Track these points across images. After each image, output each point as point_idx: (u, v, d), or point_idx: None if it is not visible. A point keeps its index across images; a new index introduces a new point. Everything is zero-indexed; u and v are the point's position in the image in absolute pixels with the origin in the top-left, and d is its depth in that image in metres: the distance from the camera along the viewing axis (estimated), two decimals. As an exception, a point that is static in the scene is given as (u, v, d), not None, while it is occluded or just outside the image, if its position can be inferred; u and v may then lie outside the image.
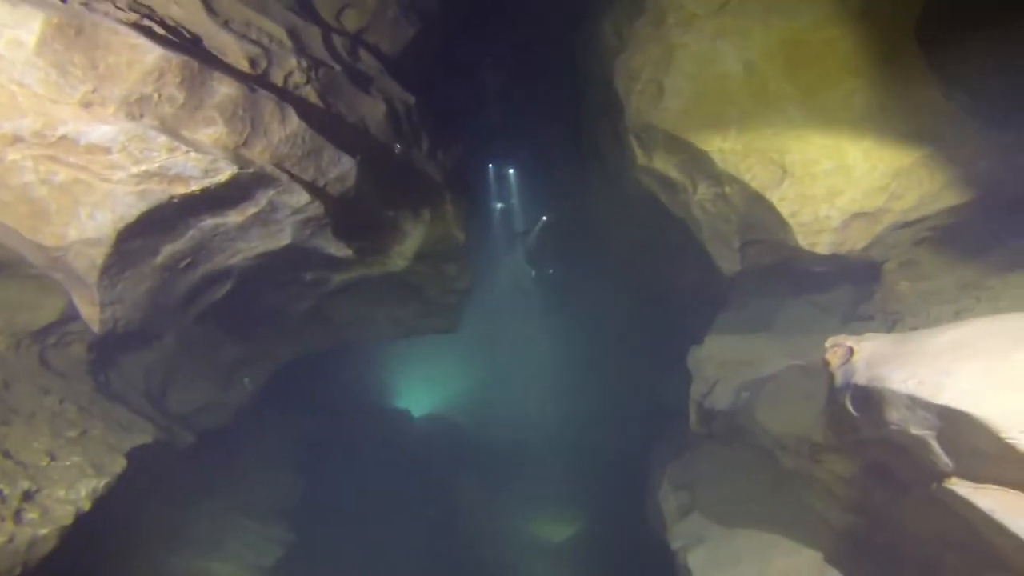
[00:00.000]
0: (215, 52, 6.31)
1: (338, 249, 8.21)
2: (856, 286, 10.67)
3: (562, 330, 24.04)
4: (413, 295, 13.01)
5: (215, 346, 11.24)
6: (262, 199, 6.49)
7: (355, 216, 8.42)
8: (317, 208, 7.16)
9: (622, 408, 18.90)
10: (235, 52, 6.46)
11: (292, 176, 6.53)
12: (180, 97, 5.50)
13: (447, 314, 14.00)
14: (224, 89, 5.79)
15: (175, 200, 5.79)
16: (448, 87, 14.55)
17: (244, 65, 6.47)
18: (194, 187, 5.78)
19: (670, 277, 15.43)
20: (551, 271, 24.27)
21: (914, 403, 4.59)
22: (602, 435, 19.71)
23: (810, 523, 7.56)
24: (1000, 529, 3.95)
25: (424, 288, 12.71)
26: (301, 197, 6.78)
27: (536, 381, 24.50)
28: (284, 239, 7.37)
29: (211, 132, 5.77)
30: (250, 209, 6.50)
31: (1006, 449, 3.80)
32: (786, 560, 7.28)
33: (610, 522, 16.57)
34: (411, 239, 9.88)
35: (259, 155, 6.17)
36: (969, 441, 4.13)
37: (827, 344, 6.03)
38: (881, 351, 5.32)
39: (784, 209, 7.18)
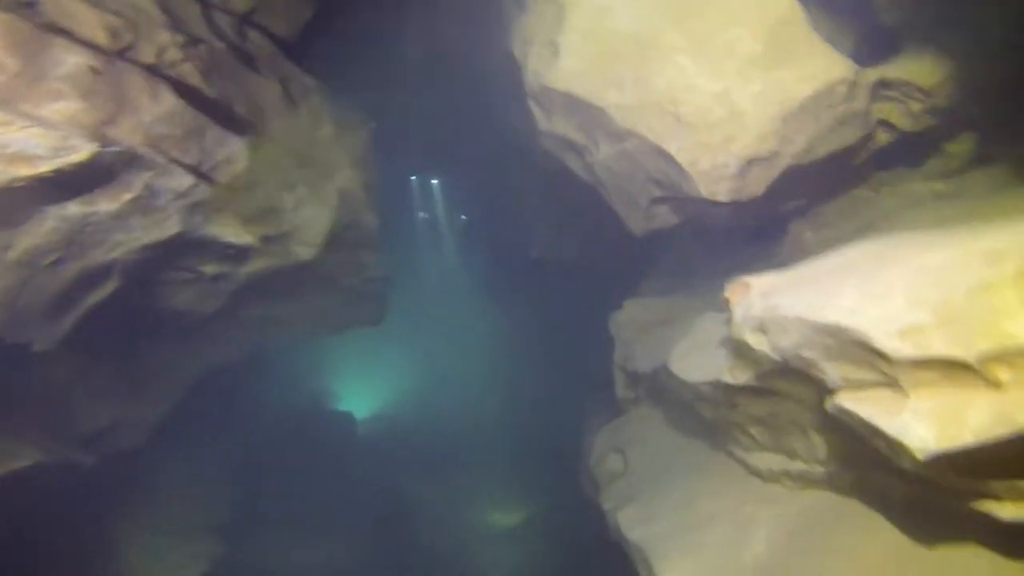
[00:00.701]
0: (60, 18, 5.82)
1: (236, 235, 7.83)
2: (766, 241, 10.84)
3: (496, 318, 23.94)
4: (331, 288, 12.62)
5: (121, 357, 10.62)
6: (137, 183, 6.08)
7: (252, 201, 8.05)
8: (204, 192, 6.79)
9: (559, 387, 18.88)
10: (89, 21, 5.99)
11: (171, 158, 6.15)
12: (12, 64, 5.04)
13: (370, 306, 13.66)
14: (72, 59, 5.37)
15: (20, 184, 5.30)
16: (358, 69, 14.14)
17: (101, 36, 6.01)
18: (43, 168, 5.30)
19: (589, 249, 15.45)
20: (480, 263, 24.31)
21: (803, 324, 4.60)
22: (543, 417, 19.66)
23: (730, 469, 7.58)
24: (875, 431, 3.96)
25: (341, 279, 12.34)
26: (183, 180, 6.41)
27: (475, 371, 24.30)
28: (172, 227, 6.95)
29: (61, 107, 5.33)
30: (124, 195, 6.08)
31: (878, 353, 3.81)
32: (709, 505, 7.25)
33: (557, 502, 16.50)
34: (317, 225, 9.52)
35: (128, 134, 5.76)
36: (851, 353, 4.13)
37: (727, 284, 6.02)
38: (774, 283, 5.33)
39: (683, 158, 7.17)
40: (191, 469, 14.11)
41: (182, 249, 7.65)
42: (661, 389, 9.08)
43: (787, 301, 4.82)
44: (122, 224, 6.51)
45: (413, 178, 25.50)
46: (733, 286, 5.75)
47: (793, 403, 5.76)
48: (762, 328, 5.12)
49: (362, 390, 25.71)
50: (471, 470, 20.64)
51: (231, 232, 7.70)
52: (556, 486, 16.59)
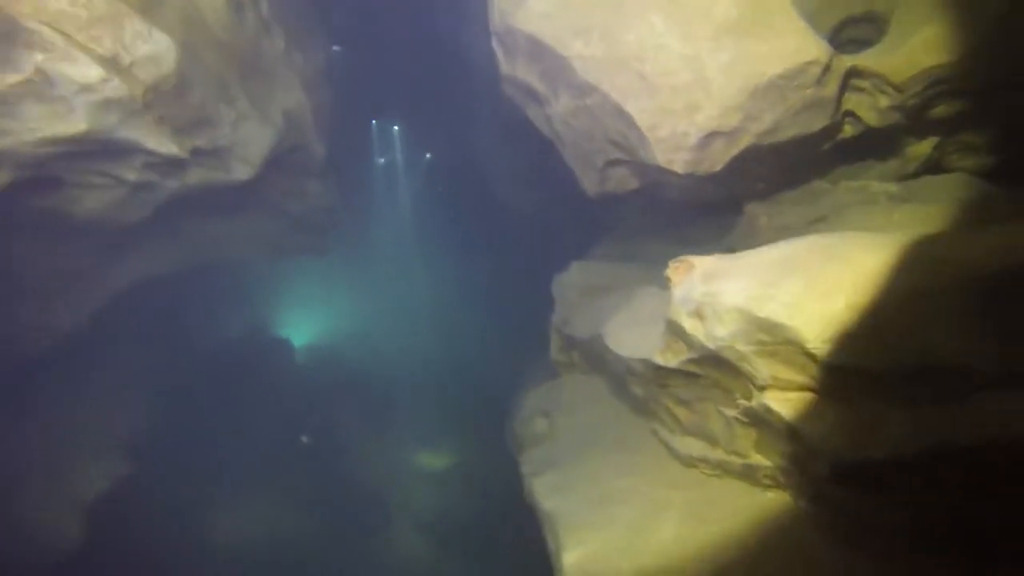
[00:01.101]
0: None
1: (159, 144, 7.11)
2: (720, 219, 10.54)
3: (446, 263, 23.43)
4: (274, 213, 11.94)
5: (23, 260, 9.81)
6: (26, 64, 5.31)
7: (182, 109, 7.30)
8: (118, 89, 6.05)
9: (500, 339, 18.61)
10: None
11: (73, 42, 5.37)
12: None
13: (316, 235, 13.03)
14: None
15: None
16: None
17: None
18: None
19: (545, 205, 15.00)
20: (436, 208, 23.72)
21: (741, 316, 4.26)
22: (481, 366, 19.43)
23: (653, 449, 7.38)
24: (794, 433, 3.70)
25: (285, 205, 11.66)
26: (89, 71, 5.67)
27: (420, 313, 23.84)
28: (78, 123, 6.21)
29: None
30: (9, 76, 5.30)
31: (810, 356, 3.50)
32: (626, 482, 7.05)
33: (485, 451, 16.39)
34: (257, 144, 8.79)
35: (14, 4, 4.97)
36: (784, 351, 3.81)
37: (671, 263, 5.65)
38: (718, 266, 4.97)
39: (644, 122, 6.69)
40: (110, 382, 13.45)
41: (95, 149, 6.90)
42: (595, 358, 8.80)
43: (729, 288, 4.48)
44: (12, 110, 5.75)
45: (374, 122, 24.43)
46: (676, 265, 5.39)
47: (720, 392, 5.49)
48: (699, 313, 4.78)
49: (304, 319, 25.02)
50: (405, 410, 20.37)
51: (153, 140, 6.98)
52: (486, 436, 16.47)
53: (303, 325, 24.77)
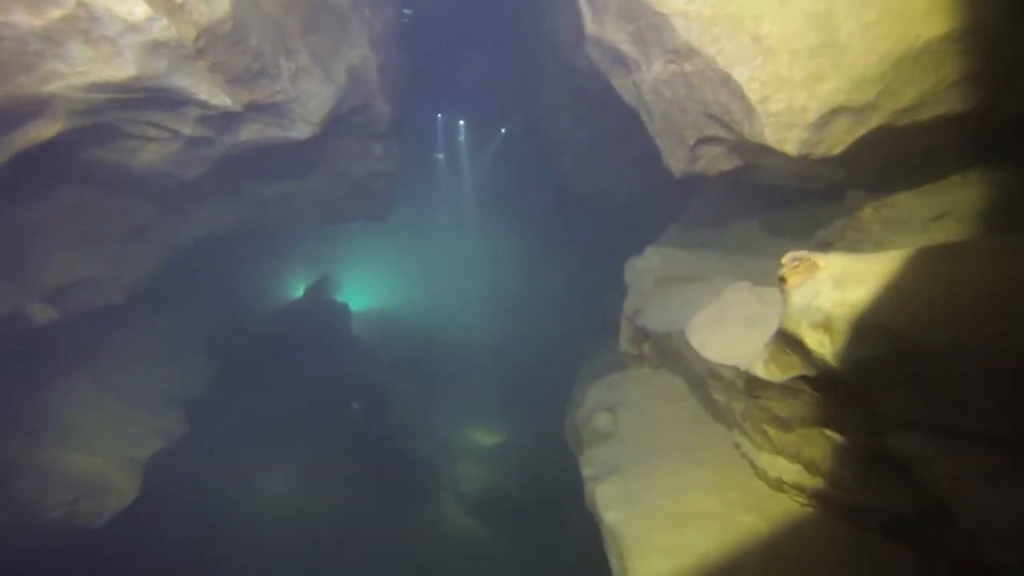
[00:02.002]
0: None
1: (212, 95, 6.42)
2: (814, 209, 9.38)
3: (511, 240, 22.56)
4: (335, 175, 11.26)
5: (90, 212, 9.41)
6: (67, -2, 4.62)
7: (238, 58, 6.58)
8: (167, 31, 5.35)
9: (563, 321, 17.72)
10: None
11: (116, -28, 4.65)
12: None
13: (376, 200, 12.34)
14: None
15: None
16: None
17: None
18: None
19: (617, 185, 13.94)
20: (505, 181, 22.70)
21: (893, 338, 3.25)
22: (541, 347, 18.60)
23: (733, 463, 6.43)
24: (953, 495, 2.71)
25: (347, 167, 10.96)
26: (135, 8, 4.97)
27: (481, 287, 23.14)
28: (127, 68, 5.56)
29: None
30: (51, 10, 4.64)
31: None
32: (703, 501, 6.15)
33: (538, 434, 15.63)
34: (318, 102, 8.05)
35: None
36: (949, 391, 2.81)
37: (785, 259, 4.63)
38: (855, 269, 3.94)
39: (753, 93, 5.63)
40: (170, 338, 13.20)
41: (145, 98, 6.27)
42: (671, 354, 7.86)
43: (875, 300, 3.46)
44: (58, 49, 5.14)
45: (439, 116, 23.53)
46: (794, 263, 4.37)
47: (835, 417, 4.48)
48: (828, 326, 3.79)
49: (364, 284, 24.66)
50: (459, 384, 19.80)
51: (205, 90, 6.29)
52: (540, 418, 15.70)
53: (362, 291, 24.42)
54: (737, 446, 6.53)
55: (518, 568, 13.79)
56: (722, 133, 6.75)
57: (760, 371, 4.91)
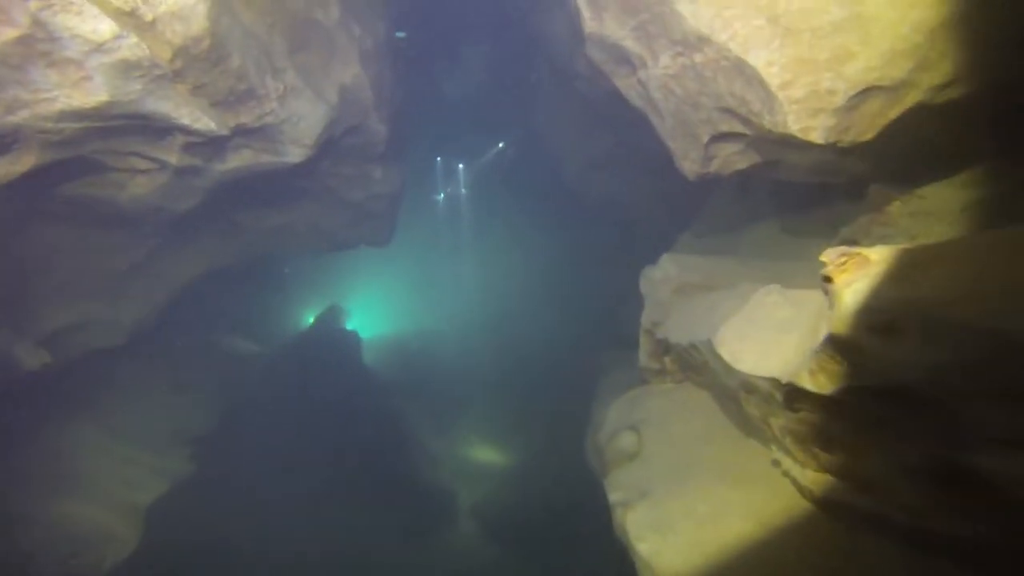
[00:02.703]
0: None
1: (194, 119, 5.96)
2: (834, 207, 8.83)
3: (519, 255, 22.02)
4: (334, 202, 10.80)
5: (85, 251, 8.98)
6: (20, 16, 4.17)
7: (221, 78, 6.13)
8: (137, 49, 4.89)
9: (578, 336, 17.11)
10: None
11: (77, -12, 4.20)
12: None
13: (377, 224, 11.87)
14: None
15: None
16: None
17: None
18: None
19: (626, 194, 13.41)
20: (509, 197, 22.17)
21: (983, 340, 2.67)
22: (556, 364, 17.97)
23: (772, 483, 5.83)
24: None
25: (345, 193, 10.50)
26: (99, 25, 4.49)
27: (491, 306, 22.57)
28: (98, 93, 5.10)
29: None
30: (3, 30, 4.19)
31: None
32: (744, 527, 5.55)
33: (555, 455, 14.97)
34: (309, 123, 7.60)
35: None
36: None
37: (828, 256, 4.07)
38: (917, 261, 3.37)
39: (772, 79, 5.10)
40: (175, 377, 12.71)
41: (128, 129, 5.83)
42: (695, 367, 7.27)
43: (951, 295, 2.90)
44: (21, 75, 4.68)
45: (439, 159, 23.16)
46: (840, 259, 3.81)
47: (906, 437, 3.89)
48: (892, 328, 3.22)
49: (372, 310, 24.18)
50: (472, 406, 19.19)
51: (187, 114, 5.83)
52: (556, 439, 15.06)
53: (370, 317, 23.93)
54: (776, 464, 5.93)
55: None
56: (738, 128, 6.23)
57: (806, 383, 4.33)
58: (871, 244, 7.89)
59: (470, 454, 17.95)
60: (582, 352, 14.48)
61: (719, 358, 5.83)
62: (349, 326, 22.54)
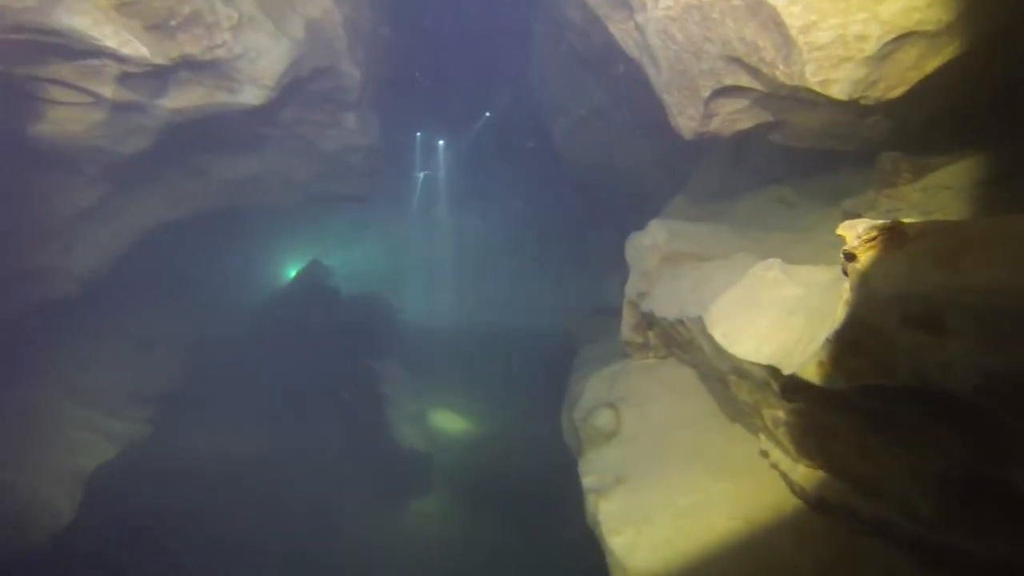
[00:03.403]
0: None
1: (122, 43, 5.08)
2: (838, 176, 8.13)
3: (502, 216, 21.15)
4: (305, 150, 9.90)
5: (28, 196, 8.10)
6: None
7: (156, 1, 5.22)
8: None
9: (560, 302, 16.43)
10: None
11: None
12: None
13: (355, 178, 10.98)
14: None
15: None
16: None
17: None
18: None
19: (615, 155, 12.59)
20: (493, 158, 21.09)
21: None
22: (537, 330, 17.31)
23: (759, 475, 5.24)
24: None
25: (318, 141, 9.61)
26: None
27: (474, 270, 21.76)
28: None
29: None
30: None
31: None
32: (719, 523, 4.96)
33: (530, 426, 14.40)
34: (270, 60, 6.69)
35: None
36: None
37: (850, 229, 3.36)
38: (970, 236, 2.66)
39: (793, 19, 4.31)
40: (141, 332, 11.91)
41: (45, 48, 4.94)
42: (681, 343, 6.62)
43: (1017, 283, 2.20)
44: None
45: (418, 134, 21.89)
46: (866, 233, 3.09)
47: (934, 443, 3.24)
48: (937, 322, 2.52)
49: (353, 269, 23.24)
50: (452, 370, 18.54)
51: (112, 34, 4.95)
52: (534, 409, 14.48)
53: (351, 277, 23.01)
54: (765, 454, 5.34)
55: (512, 559, 12.73)
56: (745, 80, 5.45)
57: (813, 375, 3.66)
58: (877, 218, 7.14)
59: (448, 418, 17.40)
60: (562, 320, 13.81)
61: (710, 338, 5.15)
62: (331, 284, 21.70)
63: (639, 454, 6.44)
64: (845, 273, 3.37)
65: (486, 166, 20.99)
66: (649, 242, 7.71)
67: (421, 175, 22.96)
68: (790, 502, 4.94)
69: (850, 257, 3.20)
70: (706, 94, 5.86)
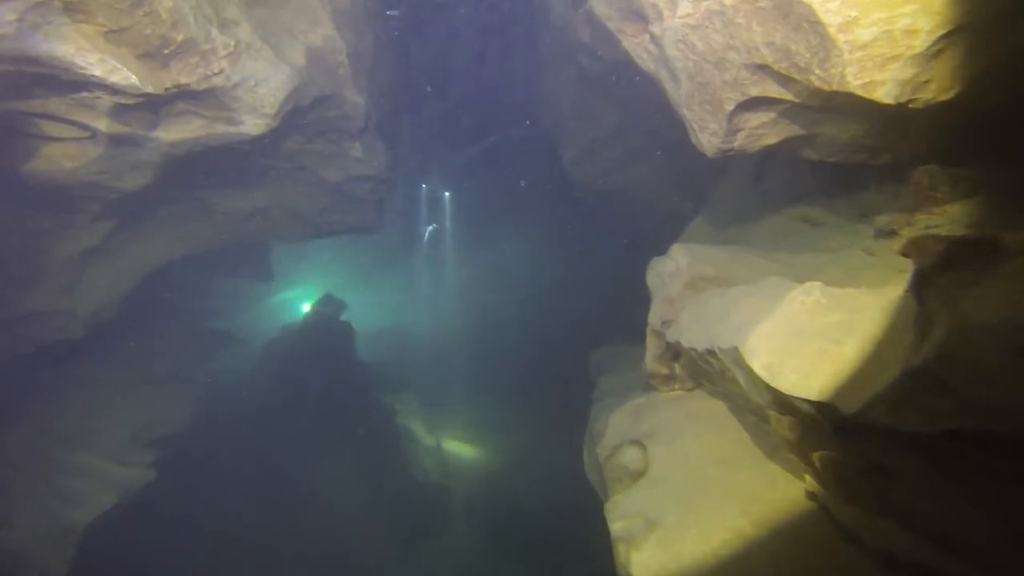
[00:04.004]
0: None
1: (110, 71, 4.71)
2: (862, 193, 7.60)
3: (517, 245, 20.65)
4: (311, 182, 9.54)
5: (32, 236, 7.77)
6: None
7: (144, 24, 4.88)
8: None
9: (578, 330, 15.80)
10: None
11: None
12: None
13: (363, 208, 10.59)
14: None
15: None
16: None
17: None
18: None
19: (628, 179, 12.13)
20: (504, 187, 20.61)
21: None
22: (555, 359, 16.65)
23: (809, 522, 4.68)
24: None
25: (324, 171, 9.24)
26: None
27: (488, 298, 21.18)
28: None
29: None
30: None
31: None
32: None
33: (549, 460, 13.73)
34: (268, 87, 6.33)
35: None
36: None
37: (916, 247, 2.85)
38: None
39: (831, 17, 3.87)
40: (146, 372, 11.49)
41: (30, 79, 4.59)
42: (711, 375, 6.07)
43: None
44: None
45: (424, 186, 21.54)
46: (949, 248, 2.57)
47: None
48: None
49: (366, 302, 22.77)
50: (470, 402, 17.92)
51: (99, 62, 4.59)
52: (553, 443, 13.81)
53: (364, 310, 22.51)
54: (813, 497, 4.77)
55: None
56: (773, 91, 4.99)
57: (882, 416, 3.11)
58: (915, 235, 6.54)
59: (467, 451, 16.73)
60: (584, 345, 13.19)
61: (748, 371, 4.61)
62: (343, 318, 21.25)
63: (670, 496, 5.86)
64: (917, 298, 2.85)
65: (493, 196, 20.59)
66: (672, 267, 7.19)
67: (429, 228, 22.63)
68: (845, 553, 4.37)
69: (924, 278, 2.68)
70: (730, 107, 5.40)
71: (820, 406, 3.81)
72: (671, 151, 9.57)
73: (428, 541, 14.11)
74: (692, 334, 6.21)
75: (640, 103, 8.83)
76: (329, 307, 20.19)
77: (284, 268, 17.44)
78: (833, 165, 7.24)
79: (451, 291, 22.20)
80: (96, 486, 8.21)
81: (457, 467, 16.27)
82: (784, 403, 4.42)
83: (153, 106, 5.72)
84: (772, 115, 5.46)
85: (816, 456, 4.46)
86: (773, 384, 4.22)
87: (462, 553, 13.69)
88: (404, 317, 21.89)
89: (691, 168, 10.33)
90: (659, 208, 11.96)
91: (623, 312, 10.90)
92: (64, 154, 6.06)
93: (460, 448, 16.84)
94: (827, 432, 4.10)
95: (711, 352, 5.66)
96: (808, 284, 4.87)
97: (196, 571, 8.70)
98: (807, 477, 4.83)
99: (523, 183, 17.48)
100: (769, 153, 6.62)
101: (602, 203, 13.94)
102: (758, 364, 4.44)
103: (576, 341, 14.10)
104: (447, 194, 22.42)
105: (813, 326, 4.44)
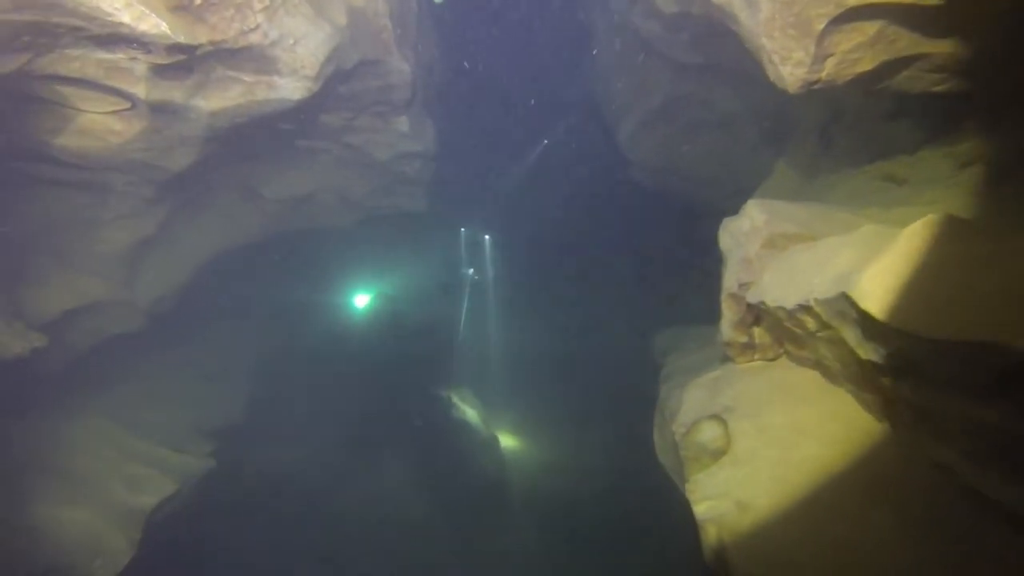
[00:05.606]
0: None
1: (139, 18, 4.28)
2: (950, 145, 6.66)
3: (566, 226, 19.66)
4: (360, 162, 9.08)
5: (91, 223, 7.53)
6: None
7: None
8: None
9: (636, 316, 14.90)
10: None
11: None
12: None
13: (411, 189, 10.08)
14: None
15: None
16: None
17: None
18: None
19: (683, 156, 11.26)
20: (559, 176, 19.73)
21: None
22: (614, 347, 15.76)
23: (940, 500, 3.89)
24: None
25: (372, 149, 8.76)
26: None
27: (545, 285, 20.26)
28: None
29: None
30: None
31: None
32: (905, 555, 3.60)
33: (616, 446, 12.93)
34: (308, 46, 5.84)
35: None
36: None
37: None
38: None
39: None
40: (203, 363, 11.27)
41: (60, 31, 4.20)
42: (800, 337, 5.27)
43: None
44: None
45: (463, 230, 20.73)
46: None
47: None
48: None
49: (417, 293, 22.16)
50: (525, 396, 17.21)
51: (126, 7, 4.15)
52: (618, 428, 13.01)
53: (416, 301, 22.00)
54: (947, 469, 3.95)
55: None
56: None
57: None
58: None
59: (527, 443, 16.03)
60: (644, 331, 12.35)
61: (863, 316, 3.81)
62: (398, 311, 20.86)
63: (759, 475, 5.07)
64: None
65: (545, 176, 19.67)
66: (748, 225, 6.37)
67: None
68: (990, 533, 3.55)
69: None
70: (820, 26, 4.63)
71: (975, 348, 3.01)
72: (729, 121, 8.75)
73: (486, 537, 13.54)
74: (779, 292, 5.40)
75: (696, 72, 8.08)
76: (382, 300, 19.88)
77: (339, 257, 17.04)
78: (912, 122, 6.39)
79: (501, 279, 21.45)
80: (159, 473, 7.99)
81: (515, 459, 15.65)
82: (910, 354, 3.62)
83: (189, 68, 5.31)
84: (872, 30, 4.65)
85: (955, 420, 3.65)
86: (898, 327, 3.42)
87: (523, 541, 13.05)
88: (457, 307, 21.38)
89: (749, 140, 9.53)
90: (714, 187, 11.11)
91: (680, 299, 10.06)
92: (109, 129, 5.71)
93: (516, 440, 16.19)
94: (982, 387, 3.29)
95: (804, 307, 4.85)
96: (931, 216, 4.04)
97: (252, 556, 8.42)
98: (941, 446, 3.99)
99: (575, 158, 16.65)
100: (836, 112, 5.81)
101: (658, 182, 13.09)
102: (876, 307, 3.65)
103: (636, 332, 13.20)
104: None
105: (943, 259, 3.63)
